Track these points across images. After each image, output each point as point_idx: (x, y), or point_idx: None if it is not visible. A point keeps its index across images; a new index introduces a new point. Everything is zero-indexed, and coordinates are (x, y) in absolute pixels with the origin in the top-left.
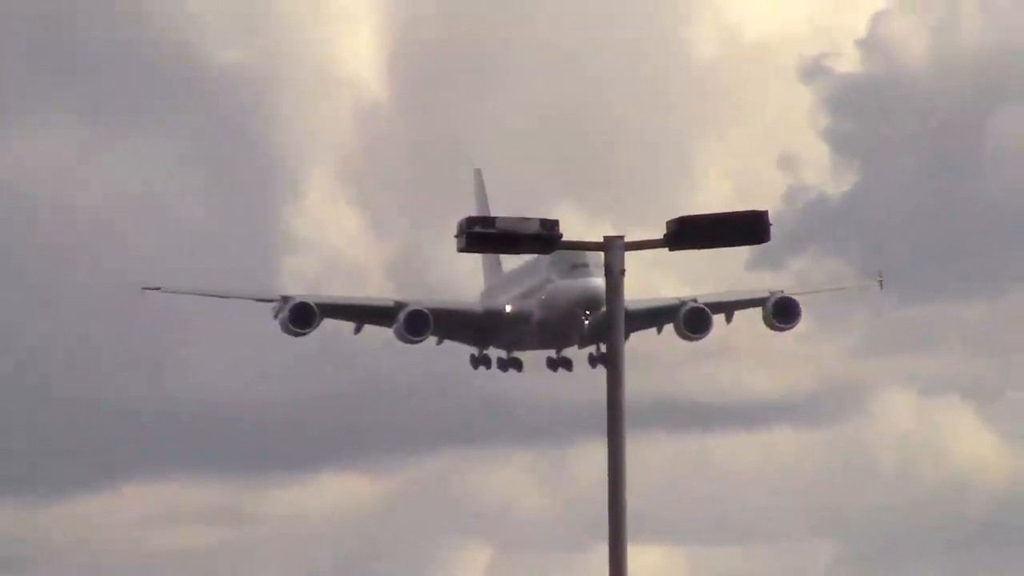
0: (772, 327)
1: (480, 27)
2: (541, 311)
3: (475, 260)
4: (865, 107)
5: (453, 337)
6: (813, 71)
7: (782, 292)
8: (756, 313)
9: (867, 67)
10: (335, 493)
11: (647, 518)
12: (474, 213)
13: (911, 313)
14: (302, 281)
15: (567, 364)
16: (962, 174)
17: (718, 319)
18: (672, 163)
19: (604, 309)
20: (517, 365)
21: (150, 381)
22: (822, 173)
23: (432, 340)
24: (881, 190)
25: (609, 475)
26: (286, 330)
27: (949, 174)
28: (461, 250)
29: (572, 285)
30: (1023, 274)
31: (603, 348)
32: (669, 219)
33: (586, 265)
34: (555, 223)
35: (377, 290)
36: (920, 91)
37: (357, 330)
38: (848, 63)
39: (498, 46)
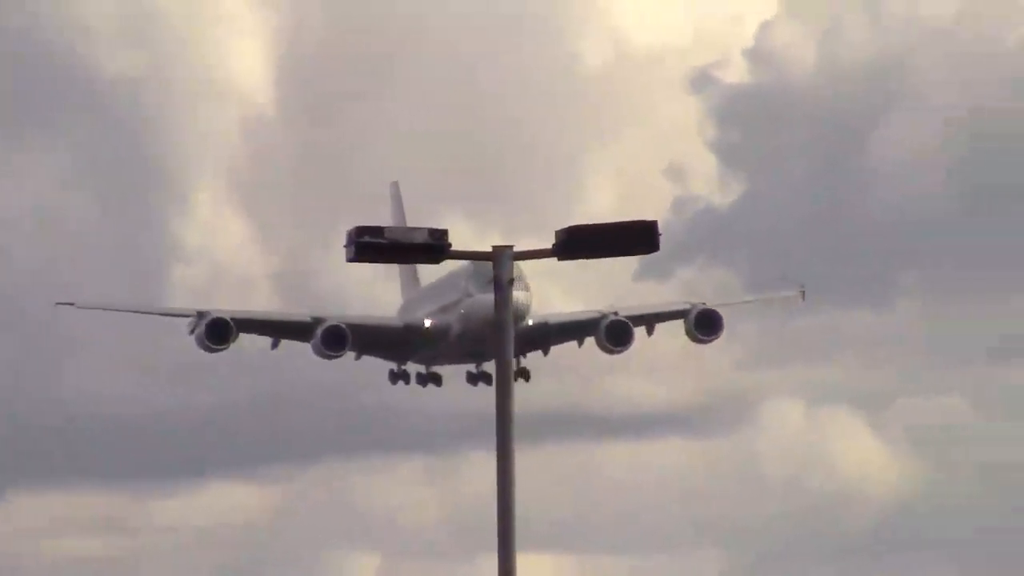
0: (695, 339)
1: (369, 36)
2: (460, 325)
3: (377, 272)
4: (753, 117)
5: (372, 352)
6: (701, 81)
7: (704, 304)
8: (678, 326)
9: (754, 77)
10: (223, 503)
11: (537, 527)
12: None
13: (800, 323)
14: (190, 292)
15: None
16: (850, 183)
17: (641, 332)
18: (562, 173)
19: (529, 322)
20: (436, 380)
21: (34, 391)
22: (710, 183)
23: (351, 355)
24: (769, 200)
25: (498, 484)
26: (202, 346)
27: (837, 183)
28: (350, 260)
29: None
30: (911, 283)
31: (523, 362)
32: (558, 229)
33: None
34: (444, 232)
35: (266, 302)
36: (807, 100)
37: (274, 345)
38: (735, 73)
39: (387, 55)
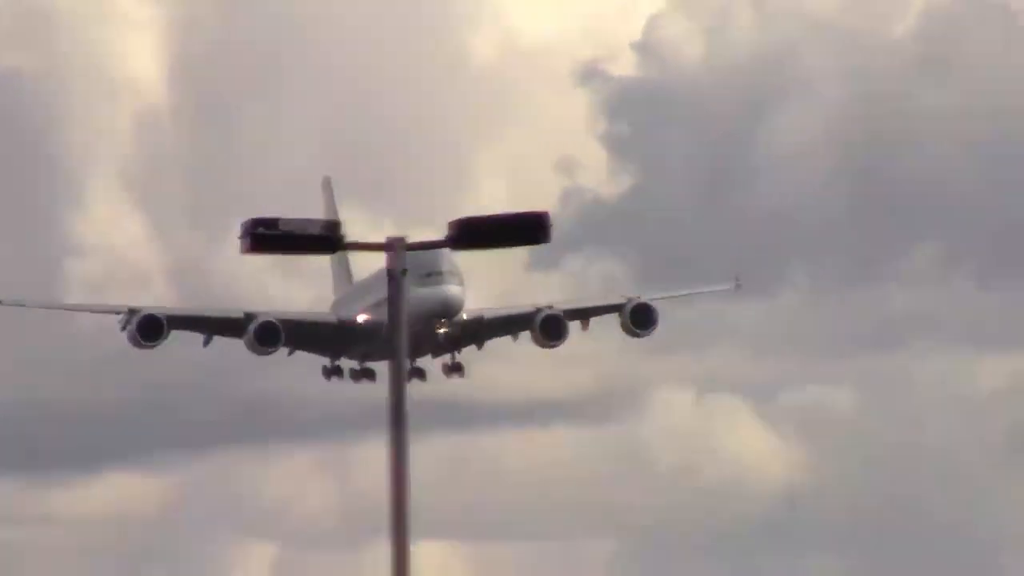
0: (630, 333)
1: (261, 33)
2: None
3: (302, 266)
4: (641, 110)
5: (305, 348)
6: (589, 75)
7: (639, 298)
8: (613, 319)
9: (642, 71)
10: (117, 493)
11: (431, 515)
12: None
13: (690, 313)
14: (85, 287)
15: (421, 374)
16: (737, 176)
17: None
18: (453, 166)
19: (464, 317)
20: (370, 375)
21: None
22: (598, 176)
23: (284, 351)
24: (657, 193)
25: (391, 473)
26: (135, 343)
27: (724, 177)
28: (245, 252)
29: (427, 293)
30: (797, 274)
31: (457, 357)
32: (451, 220)
33: (440, 273)
34: (338, 224)
35: (162, 296)
36: (695, 94)
37: (207, 342)
38: (623, 67)
39: (278, 52)
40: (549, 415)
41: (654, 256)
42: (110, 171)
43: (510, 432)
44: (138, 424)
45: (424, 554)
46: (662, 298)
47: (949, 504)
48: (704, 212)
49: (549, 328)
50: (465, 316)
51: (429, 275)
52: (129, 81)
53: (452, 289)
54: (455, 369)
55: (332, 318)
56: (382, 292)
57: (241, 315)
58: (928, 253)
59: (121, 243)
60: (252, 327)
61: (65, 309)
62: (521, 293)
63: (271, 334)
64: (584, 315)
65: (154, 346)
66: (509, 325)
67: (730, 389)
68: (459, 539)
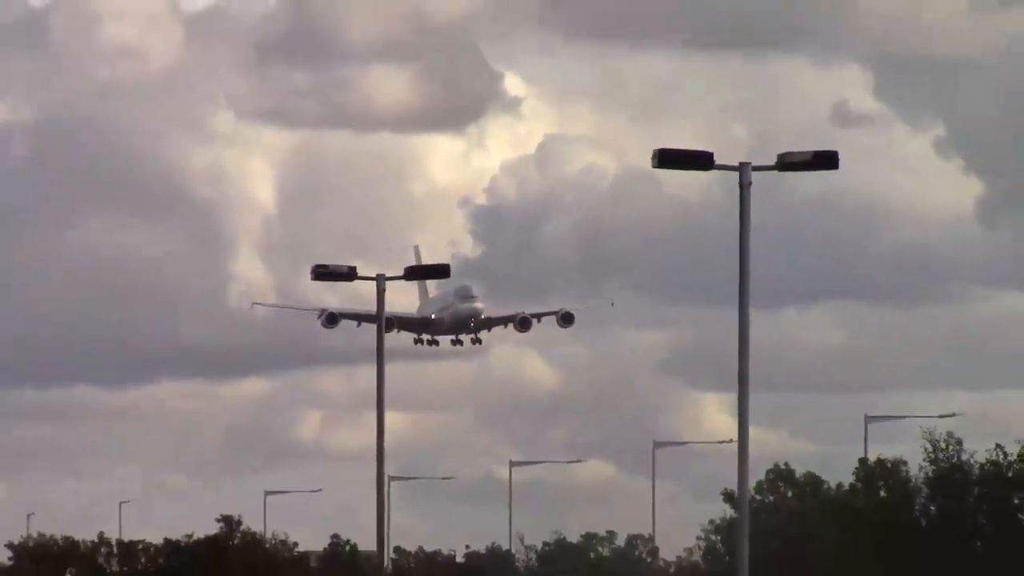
0: (560, 326)
1: None
2: (450, 318)
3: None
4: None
5: (405, 329)
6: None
7: (564, 309)
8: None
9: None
10: None
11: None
12: None
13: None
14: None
15: (460, 343)
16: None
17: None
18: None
19: (481, 317)
20: (436, 343)
21: None
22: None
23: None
24: (493, 256)
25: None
26: (324, 326)
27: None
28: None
29: (467, 306)
30: None
31: (477, 336)
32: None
33: (474, 296)
34: None
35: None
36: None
37: (358, 326)
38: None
39: None
40: None
41: None
42: None
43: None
44: None
45: None
46: (578, 309)
47: None
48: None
49: (523, 323)
50: (482, 317)
51: (468, 297)
52: None
53: (479, 304)
54: (477, 341)
55: (419, 315)
56: (442, 303)
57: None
58: None
59: None
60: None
61: (294, 309)
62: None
63: (390, 323)
64: (538, 317)
65: (333, 327)
66: (503, 321)
67: None
68: None
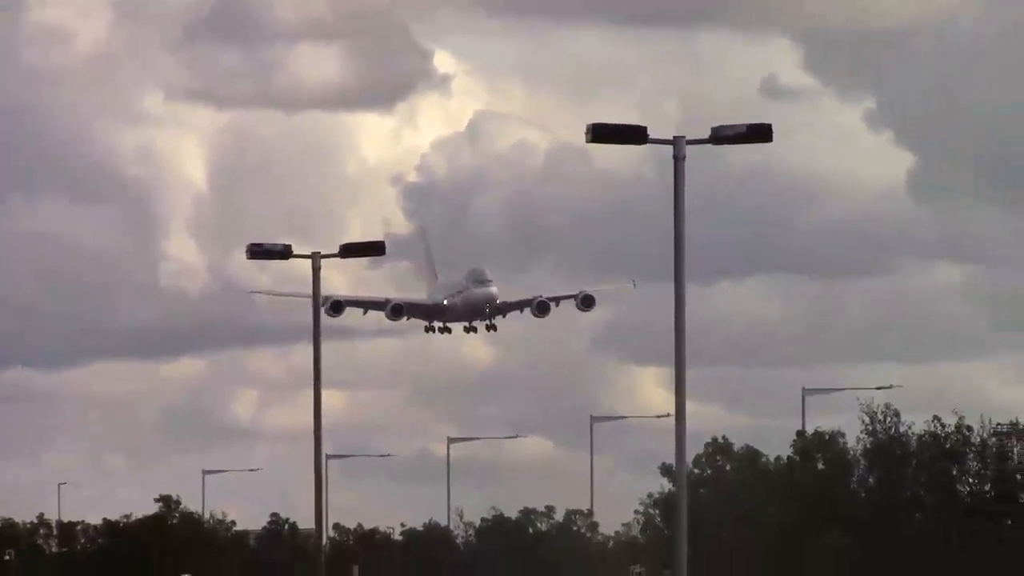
0: (580, 310)
1: None
2: (463, 303)
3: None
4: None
5: (416, 316)
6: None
7: (585, 291)
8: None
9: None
10: None
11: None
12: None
13: None
14: None
15: (474, 330)
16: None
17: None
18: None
19: (496, 302)
20: (448, 330)
21: None
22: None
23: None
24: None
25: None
26: (328, 314)
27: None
28: None
29: (482, 290)
30: None
31: (492, 322)
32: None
33: (488, 280)
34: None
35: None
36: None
37: (364, 313)
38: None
39: None
40: None
41: None
42: None
43: None
44: None
45: None
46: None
47: None
48: None
49: (541, 308)
50: (497, 302)
51: (482, 281)
52: None
53: (493, 289)
54: (492, 328)
55: (430, 301)
56: (456, 289)
57: (383, 300)
58: None
59: None
60: (389, 306)
61: (292, 296)
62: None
63: (399, 310)
64: (556, 300)
65: (337, 316)
66: (519, 306)
67: None
68: None
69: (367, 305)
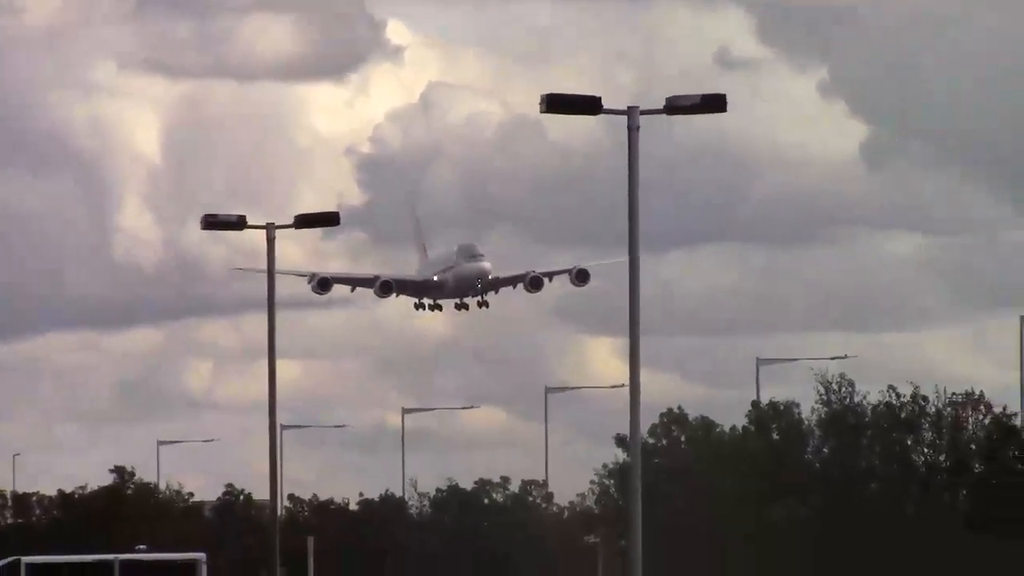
0: (575, 285)
1: None
2: (454, 279)
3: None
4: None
5: (406, 293)
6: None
7: (579, 265)
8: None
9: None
10: None
11: None
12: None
13: None
14: None
15: (465, 307)
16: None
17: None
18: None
19: (489, 278)
20: (439, 307)
21: None
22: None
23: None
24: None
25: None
26: (316, 292)
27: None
28: None
29: (474, 265)
30: None
31: (484, 298)
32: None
33: (481, 255)
34: None
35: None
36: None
37: (352, 290)
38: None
39: None
40: None
41: None
42: None
43: None
44: None
45: None
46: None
47: None
48: None
49: (535, 283)
50: (490, 277)
51: (474, 256)
52: None
53: (486, 263)
54: (483, 304)
55: (420, 277)
56: (445, 264)
57: (372, 276)
58: None
59: None
60: (378, 282)
61: (280, 273)
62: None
63: (388, 286)
64: (549, 276)
65: (325, 293)
66: (511, 281)
67: None
68: None
69: (355, 282)
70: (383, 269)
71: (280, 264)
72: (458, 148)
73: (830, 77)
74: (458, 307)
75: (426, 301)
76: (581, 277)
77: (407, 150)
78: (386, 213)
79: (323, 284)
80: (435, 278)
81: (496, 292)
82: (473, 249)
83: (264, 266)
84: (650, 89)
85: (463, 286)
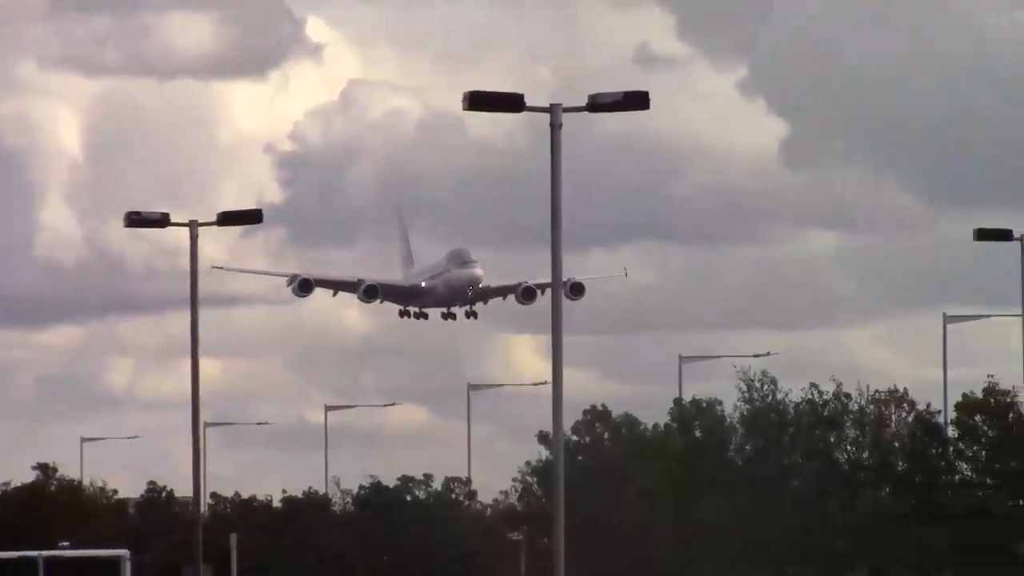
0: (569, 299)
1: None
2: (444, 285)
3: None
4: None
5: (390, 300)
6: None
7: (574, 278)
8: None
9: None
10: None
11: None
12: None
13: None
14: None
15: (453, 316)
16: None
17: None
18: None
19: (479, 286)
20: (424, 316)
21: None
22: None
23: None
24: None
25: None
26: (296, 294)
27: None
28: None
29: (465, 271)
30: None
31: (472, 308)
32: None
33: (472, 261)
34: None
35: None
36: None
37: (335, 294)
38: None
39: None
40: None
41: None
42: None
43: None
44: None
45: None
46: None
47: None
48: None
49: (527, 294)
50: (480, 285)
51: (466, 262)
52: None
53: (478, 270)
54: (472, 315)
55: (407, 283)
56: (436, 270)
57: (356, 280)
58: None
59: None
60: (362, 287)
61: (260, 274)
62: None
63: (373, 291)
64: (542, 287)
65: (306, 295)
66: (502, 291)
67: None
68: None
69: (337, 285)
70: (306, 268)
71: (200, 263)
72: (378, 145)
73: (749, 74)
74: (445, 316)
75: (411, 309)
76: (575, 291)
77: (327, 147)
78: (306, 210)
79: (304, 286)
80: (423, 284)
81: (486, 303)
82: (465, 255)
83: (200, 264)
84: (569, 87)
85: (453, 294)
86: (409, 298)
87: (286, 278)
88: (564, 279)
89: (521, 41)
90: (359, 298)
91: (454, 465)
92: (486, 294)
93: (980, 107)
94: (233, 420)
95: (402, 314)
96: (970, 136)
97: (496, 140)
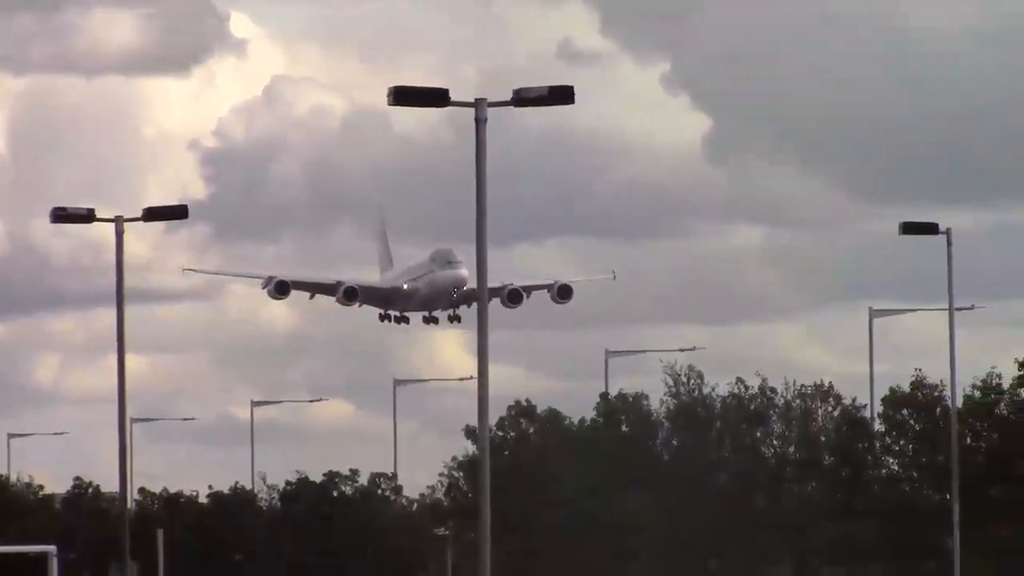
0: (556, 302)
1: None
2: (426, 288)
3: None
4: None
5: (370, 303)
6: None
7: (561, 281)
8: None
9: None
10: None
11: None
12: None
13: None
14: None
15: (435, 320)
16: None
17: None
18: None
19: (465, 288)
20: (406, 320)
21: None
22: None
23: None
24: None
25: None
26: (272, 296)
27: None
28: None
29: (449, 273)
30: None
31: (456, 312)
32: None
33: (457, 261)
34: None
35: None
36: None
37: (311, 297)
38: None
39: None
40: None
41: None
42: None
43: None
44: None
45: None
46: (575, 281)
47: None
48: None
49: (513, 297)
50: (466, 287)
51: (450, 263)
52: None
53: (463, 271)
54: (455, 319)
55: (388, 285)
56: (418, 272)
57: (334, 282)
58: None
59: None
60: (341, 289)
61: (232, 275)
62: None
63: (352, 293)
64: (528, 290)
65: (283, 298)
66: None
67: None
68: None
69: (315, 288)
70: (234, 264)
71: (127, 259)
72: (303, 141)
73: (672, 70)
74: (426, 320)
75: (392, 313)
76: (563, 293)
77: (251, 143)
78: (230, 207)
79: (281, 288)
80: (404, 286)
81: (469, 306)
82: (449, 255)
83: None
84: (493, 82)
85: (436, 296)
86: (390, 301)
87: (261, 280)
88: (549, 282)
89: (446, 38)
90: (338, 301)
91: (380, 460)
92: (470, 296)
93: (905, 104)
94: (160, 416)
95: (382, 318)
96: (895, 132)
97: (421, 136)
